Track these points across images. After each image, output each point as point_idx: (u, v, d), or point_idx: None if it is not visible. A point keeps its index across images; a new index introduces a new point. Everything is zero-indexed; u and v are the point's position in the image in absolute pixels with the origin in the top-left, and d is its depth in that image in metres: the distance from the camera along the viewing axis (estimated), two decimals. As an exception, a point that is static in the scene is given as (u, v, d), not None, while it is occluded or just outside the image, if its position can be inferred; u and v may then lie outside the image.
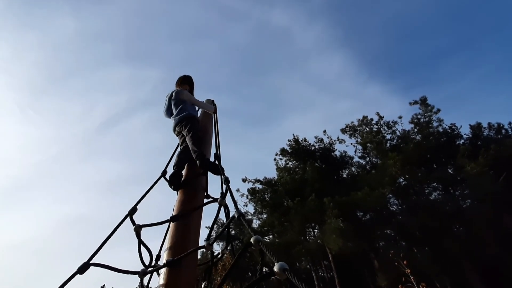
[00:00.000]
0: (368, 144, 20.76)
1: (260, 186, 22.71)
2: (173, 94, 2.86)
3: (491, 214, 15.04)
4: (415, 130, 20.61)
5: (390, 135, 21.57)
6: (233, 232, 25.92)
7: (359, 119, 22.64)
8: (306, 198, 18.08)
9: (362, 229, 17.12)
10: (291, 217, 18.70)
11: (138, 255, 1.88)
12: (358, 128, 22.58)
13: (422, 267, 14.23)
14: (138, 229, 1.91)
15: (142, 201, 2.10)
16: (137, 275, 1.70)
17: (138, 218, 1.98)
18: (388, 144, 20.64)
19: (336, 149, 23.96)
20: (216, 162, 2.39)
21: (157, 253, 2.07)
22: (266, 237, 21.56)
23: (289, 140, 23.74)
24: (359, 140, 22.21)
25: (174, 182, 2.26)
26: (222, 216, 2.16)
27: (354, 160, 22.93)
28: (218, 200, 2.05)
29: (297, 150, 23.09)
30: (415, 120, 20.69)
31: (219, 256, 2.19)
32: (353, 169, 22.69)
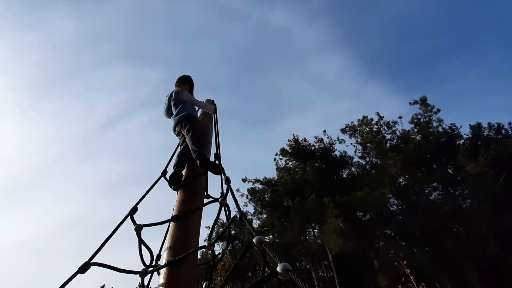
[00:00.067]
0: (368, 144, 20.77)
1: (260, 186, 22.74)
2: (173, 94, 2.85)
3: (491, 214, 15.05)
4: (415, 130, 20.63)
5: (390, 135, 21.60)
6: (233, 232, 25.91)
7: (359, 119, 22.66)
8: (306, 198, 18.08)
9: (362, 229, 17.12)
10: (291, 217, 18.71)
11: (138, 255, 1.88)
12: (358, 128, 22.59)
13: (422, 267, 14.23)
14: (138, 228, 1.91)
15: (142, 201, 2.10)
16: (137, 275, 1.69)
17: (139, 217, 1.98)
18: (388, 144, 20.66)
19: (336, 149, 24.02)
20: (217, 162, 2.39)
21: (158, 253, 2.06)
22: (266, 237, 21.56)
23: (289, 140, 23.77)
24: (359, 140, 22.22)
25: (174, 182, 2.26)
26: (221, 216, 2.16)
27: (354, 160, 22.98)
28: (219, 200, 2.04)
29: (297, 150, 23.10)
30: (415, 120, 20.70)
31: (220, 256, 2.18)
32: (353, 169, 22.72)
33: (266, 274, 0.97)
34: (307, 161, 21.08)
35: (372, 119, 22.12)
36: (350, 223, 16.28)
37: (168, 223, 1.99)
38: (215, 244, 1.80)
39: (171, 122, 2.78)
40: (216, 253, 1.95)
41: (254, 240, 1.10)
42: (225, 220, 2.18)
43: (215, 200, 2.12)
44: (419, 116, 20.61)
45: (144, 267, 1.79)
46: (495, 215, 15.20)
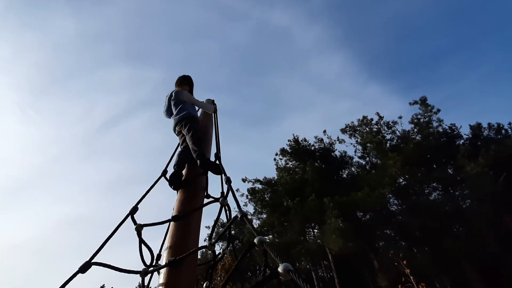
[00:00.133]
0: (368, 144, 20.77)
1: (260, 186, 22.74)
2: (173, 94, 2.85)
3: (491, 214, 15.05)
4: (415, 130, 20.62)
5: (390, 135, 21.60)
6: (233, 232, 25.85)
7: (359, 119, 22.66)
8: (306, 198, 18.08)
9: (362, 229, 17.12)
10: (291, 217, 18.71)
11: (139, 254, 1.88)
12: (358, 128, 22.59)
13: (422, 267, 14.23)
14: (139, 228, 1.91)
15: (143, 201, 2.10)
16: (138, 275, 1.69)
17: (139, 217, 1.98)
18: (388, 144, 20.65)
19: (336, 149, 24.02)
20: (217, 162, 2.39)
21: (158, 252, 2.06)
22: (266, 237, 21.53)
23: (289, 140, 23.77)
24: (359, 140, 22.22)
25: (175, 181, 2.25)
26: (222, 216, 2.15)
27: (354, 160, 22.97)
28: (220, 200, 2.04)
29: (297, 150, 23.09)
30: (415, 120, 20.70)
31: (220, 256, 2.18)
32: (353, 169, 22.71)
33: (267, 274, 0.97)
34: (307, 161, 21.07)
35: (372, 119, 22.13)
36: (350, 223, 16.27)
37: (168, 223, 1.99)
38: (215, 244, 1.80)
39: (171, 122, 2.77)
40: (216, 253, 1.95)
41: (255, 240, 1.10)
42: (225, 220, 2.18)
43: (216, 200, 2.11)
44: (419, 116, 20.61)
45: (144, 267, 1.79)
46: (495, 215, 15.20)
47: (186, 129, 2.50)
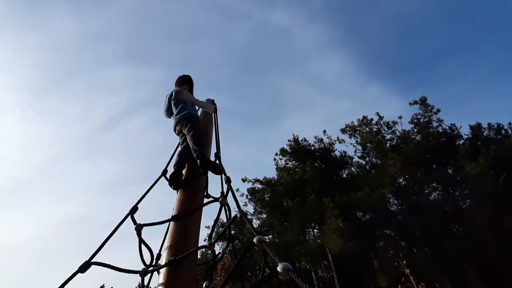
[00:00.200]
0: (368, 144, 20.76)
1: (260, 186, 22.73)
2: (173, 94, 2.85)
3: (491, 214, 15.05)
4: (415, 130, 20.62)
5: (390, 135, 21.60)
6: (233, 231, 25.85)
7: (359, 119, 22.65)
8: (306, 198, 18.08)
9: (362, 229, 17.12)
10: (291, 217, 18.70)
11: (138, 254, 1.88)
12: (358, 128, 22.58)
13: (422, 267, 14.23)
14: (139, 228, 1.91)
15: (142, 201, 2.10)
16: (137, 275, 1.69)
17: (139, 217, 1.98)
18: (388, 144, 20.65)
19: (336, 149, 24.01)
20: (217, 162, 2.39)
21: (158, 252, 2.06)
22: (266, 237, 21.55)
23: (289, 140, 23.77)
24: (359, 140, 22.22)
25: (175, 181, 2.25)
26: (222, 216, 2.15)
27: (354, 160, 22.97)
28: (220, 199, 2.04)
29: (297, 150, 23.09)
30: (415, 120, 20.70)
31: (220, 256, 2.18)
32: (353, 169, 22.71)
33: (266, 274, 0.97)
34: (307, 161, 21.07)
35: (372, 119, 22.12)
36: (350, 223, 16.27)
37: (168, 223, 1.99)
38: (215, 244, 1.80)
39: (171, 121, 2.77)
40: (216, 253, 1.95)
41: (254, 240, 1.10)
42: (225, 220, 2.18)
43: (215, 199, 2.11)
44: (419, 116, 20.62)
45: (144, 267, 1.79)
46: (495, 215, 15.20)
47: (186, 129, 2.50)
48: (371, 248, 17.76)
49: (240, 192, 22.45)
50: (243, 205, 22.43)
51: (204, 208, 2.08)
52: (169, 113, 2.90)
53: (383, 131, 21.51)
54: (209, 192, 2.23)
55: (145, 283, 1.72)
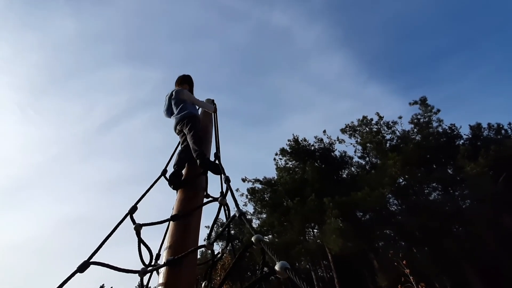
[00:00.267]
0: (368, 144, 20.76)
1: (260, 186, 22.73)
2: (173, 93, 2.85)
3: (491, 215, 15.04)
4: (415, 130, 20.62)
5: (390, 135, 21.60)
6: (232, 231, 25.91)
7: (359, 119, 22.64)
8: (306, 198, 18.07)
9: (362, 229, 17.12)
10: (291, 217, 18.70)
11: (138, 254, 1.88)
12: (358, 128, 22.58)
13: (422, 267, 14.23)
14: (138, 228, 1.91)
15: (142, 200, 2.10)
16: (137, 274, 1.69)
17: (138, 217, 1.98)
18: (388, 144, 20.64)
19: (336, 149, 24.00)
20: (216, 162, 2.39)
21: (157, 252, 2.06)
22: (266, 237, 21.55)
23: (289, 140, 23.76)
24: (359, 140, 22.21)
25: (174, 181, 2.25)
26: (221, 215, 2.16)
27: (354, 160, 22.97)
28: (219, 199, 2.04)
29: (297, 150, 23.09)
30: (415, 120, 20.70)
31: (219, 255, 2.18)
32: (353, 169, 22.71)
33: (264, 272, 0.97)
34: (307, 161, 21.07)
35: (372, 119, 22.12)
36: (350, 223, 16.27)
37: (167, 223, 1.99)
38: (215, 244, 1.80)
39: (171, 121, 2.77)
40: (216, 252, 1.95)
41: (253, 239, 1.10)
42: (224, 220, 2.18)
43: (215, 199, 2.11)
44: (419, 116, 20.61)
45: (143, 267, 1.79)
46: (495, 215, 15.19)
47: (187, 128, 2.50)
48: (371, 248, 17.76)
49: (240, 192, 22.47)
50: (243, 205, 22.45)
51: (205, 208, 2.08)
52: (169, 112, 2.90)
53: (383, 131, 21.51)
54: (208, 192, 2.23)
55: (145, 283, 1.72)
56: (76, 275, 1.51)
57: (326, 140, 24.02)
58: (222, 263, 17.27)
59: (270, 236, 21.49)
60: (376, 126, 21.84)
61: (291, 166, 23.02)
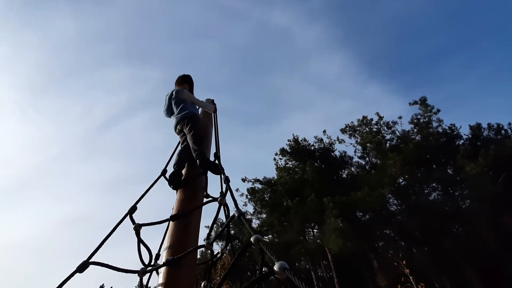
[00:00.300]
0: (368, 144, 20.76)
1: (260, 186, 22.73)
2: (173, 93, 2.85)
3: (490, 215, 15.05)
4: (415, 130, 20.62)
5: (390, 135, 21.59)
6: (232, 231, 25.92)
7: (359, 119, 22.64)
8: (306, 198, 18.07)
9: (362, 229, 17.12)
10: (291, 217, 18.70)
11: (137, 254, 1.88)
12: (358, 128, 22.58)
13: (422, 267, 14.23)
14: (137, 228, 1.91)
15: (142, 200, 2.10)
16: (136, 274, 1.69)
17: (138, 217, 1.98)
18: (387, 144, 20.64)
19: (336, 149, 24.01)
20: (216, 162, 2.39)
21: (157, 252, 2.06)
22: (266, 237, 21.56)
23: (289, 140, 23.76)
24: (359, 140, 22.21)
25: (174, 181, 2.25)
26: (221, 215, 2.16)
27: (354, 160, 22.97)
28: (218, 199, 2.04)
29: (297, 150, 23.09)
30: (415, 120, 20.69)
31: (219, 255, 2.18)
32: (352, 169, 22.71)
33: (263, 272, 0.97)
34: (306, 161, 21.07)
35: (372, 119, 22.12)
36: (350, 223, 16.28)
37: (167, 223, 1.99)
38: (215, 244, 1.80)
39: (171, 121, 2.77)
40: (215, 252, 1.95)
41: (252, 239, 1.10)
42: (224, 220, 2.18)
43: (215, 199, 2.11)
44: (419, 116, 20.61)
45: (143, 267, 1.79)
46: (494, 215, 15.19)
47: (187, 128, 2.50)
48: (371, 248, 17.76)
49: (240, 192, 22.47)
50: (243, 205, 22.45)
51: (204, 208, 2.08)
52: (169, 112, 2.90)
53: (383, 131, 21.51)
54: (208, 192, 2.23)
55: (144, 283, 1.72)
56: (76, 275, 1.51)
57: (326, 140, 24.05)
58: (221, 263, 17.28)
59: (270, 236, 21.49)
60: (376, 126, 21.85)
61: (291, 166, 23.02)
